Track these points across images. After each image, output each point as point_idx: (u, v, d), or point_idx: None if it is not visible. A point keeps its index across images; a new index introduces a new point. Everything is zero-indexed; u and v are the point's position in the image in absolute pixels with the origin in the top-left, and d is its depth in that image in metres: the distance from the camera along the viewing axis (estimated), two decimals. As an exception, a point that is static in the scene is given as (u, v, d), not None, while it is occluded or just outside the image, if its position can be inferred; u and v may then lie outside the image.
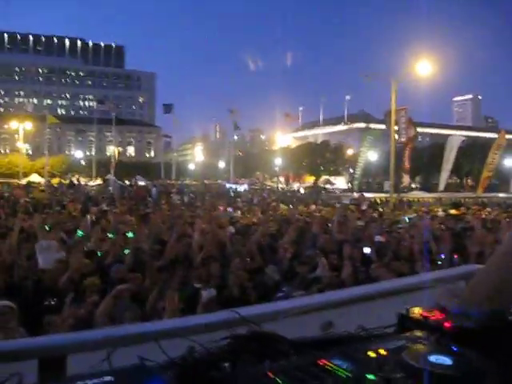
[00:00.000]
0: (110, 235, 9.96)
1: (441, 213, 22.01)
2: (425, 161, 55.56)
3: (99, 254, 8.88)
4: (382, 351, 1.64)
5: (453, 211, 22.72)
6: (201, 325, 2.11)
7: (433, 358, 1.55)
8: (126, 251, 8.56)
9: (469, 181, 64.10)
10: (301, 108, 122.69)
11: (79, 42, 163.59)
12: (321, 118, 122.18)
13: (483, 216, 20.07)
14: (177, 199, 30.34)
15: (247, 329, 1.94)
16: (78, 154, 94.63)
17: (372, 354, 1.61)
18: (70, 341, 2.09)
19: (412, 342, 1.75)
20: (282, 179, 75.15)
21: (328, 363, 1.51)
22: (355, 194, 39.83)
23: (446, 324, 1.95)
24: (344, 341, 1.88)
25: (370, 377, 1.43)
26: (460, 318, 2.01)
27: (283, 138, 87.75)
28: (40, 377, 1.91)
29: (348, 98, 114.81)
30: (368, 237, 11.14)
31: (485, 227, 13.62)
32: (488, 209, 25.70)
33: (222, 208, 19.48)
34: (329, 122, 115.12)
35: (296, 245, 9.74)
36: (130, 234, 9.66)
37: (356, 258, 8.86)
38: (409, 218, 17.11)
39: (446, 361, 1.54)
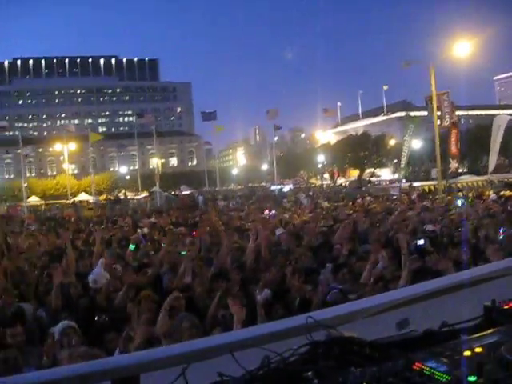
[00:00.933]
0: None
1: (493, 195, 21.42)
2: (470, 144, 54.28)
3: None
4: (477, 349, 1.52)
5: (506, 192, 22.07)
6: (275, 332, 2.03)
7: (538, 354, 1.43)
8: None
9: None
10: (339, 103, 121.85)
11: (113, 60, 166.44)
12: (360, 110, 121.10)
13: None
14: (223, 205, 30.46)
15: (324, 334, 1.85)
16: (122, 169, 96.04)
17: (468, 353, 1.49)
18: (141, 359, 2.03)
19: (508, 337, 1.62)
20: (326, 176, 74.65)
21: (424, 367, 1.40)
22: (402, 184, 39.22)
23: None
24: (429, 339, 1.77)
25: (472, 379, 1.32)
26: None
27: (324, 135, 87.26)
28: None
29: (385, 87, 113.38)
30: (419, 227, 10.91)
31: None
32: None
33: (267, 210, 19.42)
34: (368, 114, 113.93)
35: (351, 241, 9.58)
36: (183, 253, 9.51)
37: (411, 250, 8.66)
38: (461, 203, 16.69)
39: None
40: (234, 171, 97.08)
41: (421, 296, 2.43)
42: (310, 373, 1.59)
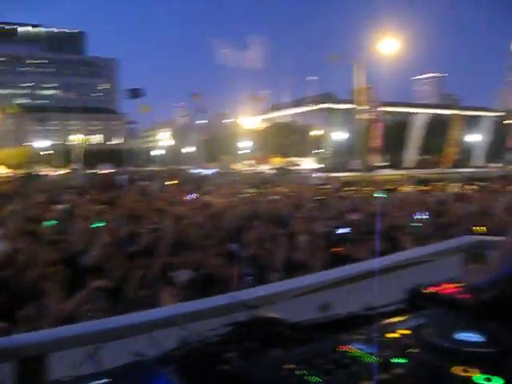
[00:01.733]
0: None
1: (410, 188, 22.21)
2: (391, 139, 56.03)
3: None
4: (402, 331, 1.51)
5: (422, 187, 22.97)
6: (196, 312, 1.95)
7: (461, 336, 1.43)
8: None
9: (435, 157, 64.96)
10: (268, 91, 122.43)
11: (39, 30, 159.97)
12: (287, 99, 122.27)
13: (452, 190, 20.27)
14: (145, 185, 29.98)
15: (246, 314, 1.80)
16: (43, 143, 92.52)
17: (393, 335, 1.48)
18: (48, 337, 1.90)
19: (431, 320, 1.62)
20: (250, 162, 75.01)
21: (350, 348, 1.37)
22: (324, 174, 39.99)
23: (464, 297, 1.83)
24: (352, 322, 1.75)
25: (397, 360, 1.30)
26: (476, 291, 1.89)
27: (251, 121, 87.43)
28: (18, 378, 1.74)
29: (313, 78, 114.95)
30: (341, 215, 11.10)
31: (455, 201, 13.73)
32: (454, 183, 26.01)
33: (188, 193, 19.28)
34: (296, 103, 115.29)
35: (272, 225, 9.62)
36: (99, 224, 9.31)
37: (331, 237, 8.80)
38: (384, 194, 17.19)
39: (477, 337, 1.41)
40: (158, 152, 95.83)
41: (344, 280, 2.43)
42: (231, 353, 1.53)
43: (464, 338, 1.41)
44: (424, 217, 10.24)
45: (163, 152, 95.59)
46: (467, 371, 1.24)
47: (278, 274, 6.33)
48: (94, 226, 9.18)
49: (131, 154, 68.79)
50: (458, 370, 1.25)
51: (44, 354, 1.79)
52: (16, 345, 1.80)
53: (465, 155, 58.48)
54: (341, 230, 9.34)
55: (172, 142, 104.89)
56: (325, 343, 1.42)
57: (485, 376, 1.22)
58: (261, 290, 2.25)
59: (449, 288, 1.97)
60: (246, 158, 74.53)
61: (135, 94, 60.02)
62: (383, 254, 6.46)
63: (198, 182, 33.34)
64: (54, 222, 10.03)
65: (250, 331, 1.64)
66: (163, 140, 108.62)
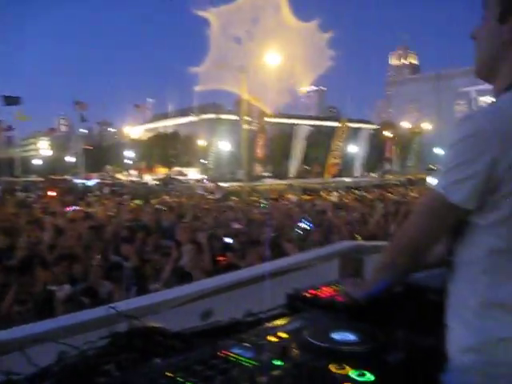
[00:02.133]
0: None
1: (293, 198, 22.77)
2: (275, 150, 57.38)
3: None
4: (282, 334, 1.54)
5: (304, 196, 23.62)
6: (73, 325, 1.88)
7: (336, 336, 1.49)
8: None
9: (316, 167, 67.18)
10: (151, 100, 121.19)
11: None
12: (171, 109, 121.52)
13: (332, 199, 21.04)
14: (24, 197, 28.58)
15: (126, 325, 1.76)
16: None
17: (273, 339, 1.51)
18: None
19: (309, 322, 1.67)
20: (134, 172, 73.69)
21: (229, 353, 1.37)
22: (209, 184, 40.11)
23: (339, 300, 1.91)
24: (234, 328, 1.76)
25: (277, 362, 1.32)
26: (350, 294, 1.97)
27: (133, 130, 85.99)
28: None
29: (197, 89, 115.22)
30: (225, 225, 11.19)
31: (335, 209, 14.27)
32: (335, 193, 26.97)
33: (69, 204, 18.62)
34: (180, 113, 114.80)
35: (156, 236, 9.52)
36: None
37: (215, 246, 8.85)
38: (264, 204, 17.48)
39: (350, 337, 1.48)
40: (37, 161, 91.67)
41: (224, 287, 2.44)
42: (109, 365, 1.49)
43: (339, 338, 1.47)
44: (306, 225, 10.57)
45: (43, 162, 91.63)
46: (343, 368, 1.30)
47: (159, 284, 6.27)
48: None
49: (8, 163, 65.11)
50: (334, 368, 1.30)
51: None
52: None
53: (345, 165, 61.11)
54: (226, 239, 9.42)
55: (52, 151, 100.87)
56: (205, 350, 1.42)
57: (358, 371, 1.28)
58: (141, 301, 2.22)
59: (327, 291, 2.05)
60: (131, 167, 73.22)
61: (12, 101, 57.04)
62: (267, 261, 6.59)
63: (80, 193, 32.29)
64: None
65: (129, 342, 1.60)
66: (44, 149, 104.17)
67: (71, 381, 1.46)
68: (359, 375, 1.27)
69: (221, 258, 8.08)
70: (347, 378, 1.26)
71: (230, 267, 6.44)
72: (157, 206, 16.54)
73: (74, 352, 1.57)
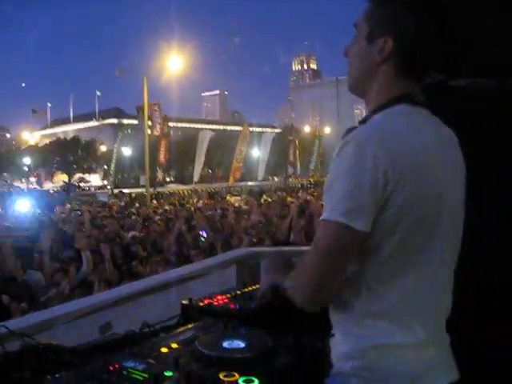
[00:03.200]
0: None
1: (199, 203, 22.73)
2: (178, 154, 56.98)
3: None
4: (174, 345, 1.59)
5: (207, 201, 23.61)
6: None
7: (226, 344, 1.55)
8: None
9: (220, 172, 67.33)
10: (49, 104, 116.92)
11: None
12: (71, 114, 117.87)
13: (236, 204, 21.16)
14: None
15: (19, 343, 1.74)
16: None
17: (165, 350, 1.55)
18: None
19: (202, 331, 1.73)
20: (33, 179, 70.77)
21: (121, 367, 1.41)
22: (111, 191, 39.24)
23: (231, 307, 1.98)
24: (130, 341, 1.79)
25: (168, 374, 1.37)
26: (243, 300, 2.05)
27: (31, 136, 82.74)
28: None
29: (99, 93, 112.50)
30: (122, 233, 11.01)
31: (237, 213, 14.46)
32: (237, 197, 27.16)
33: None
34: (80, 118, 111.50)
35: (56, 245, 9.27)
36: None
37: (117, 255, 8.75)
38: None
39: (239, 344, 1.55)
40: None
41: (122, 298, 2.45)
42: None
43: (228, 346, 1.54)
44: (205, 234, 10.55)
45: None
46: (232, 375, 1.36)
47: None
48: None
49: None
50: (223, 376, 1.36)
51: None
52: None
53: (249, 169, 61.64)
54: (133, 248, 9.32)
55: None
56: (97, 364, 1.44)
57: (245, 378, 1.35)
58: (34, 317, 2.18)
59: (221, 299, 2.11)
60: (28, 175, 70.20)
61: None
62: (169, 268, 6.57)
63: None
64: None
65: (20, 361, 1.59)
66: None
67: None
68: (246, 381, 1.34)
69: (121, 266, 8.00)
70: (236, 384, 1.33)
71: (131, 275, 6.37)
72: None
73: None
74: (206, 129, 58.04)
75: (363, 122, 1.49)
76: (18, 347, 1.71)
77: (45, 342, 1.70)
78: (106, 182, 59.69)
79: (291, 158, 59.60)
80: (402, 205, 1.35)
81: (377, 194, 1.34)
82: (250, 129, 51.85)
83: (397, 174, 1.33)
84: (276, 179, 65.52)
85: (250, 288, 2.25)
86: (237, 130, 71.21)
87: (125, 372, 1.37)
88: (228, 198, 26.34)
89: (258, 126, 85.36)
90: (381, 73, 1.52)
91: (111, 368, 1.40)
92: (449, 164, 1.49)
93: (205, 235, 10.30)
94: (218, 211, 15.84)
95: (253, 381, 1.34)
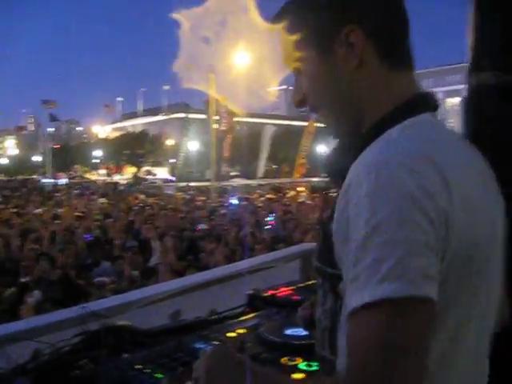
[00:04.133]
0: None
1: (260, 197, 22.89)
2: (243, 149, 57.49)
3: None
4: (240, 330, 1.71)
5: (270, 195, 23.72)
6: (48, 325, 2.00)
7: (289, 331, 1.65)
8: None
9: (285, 167, 67.40)
10: (120, 98, 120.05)
11: None
12: (140, 108, 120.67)
13: (300, 200, 21.21)
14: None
15: (99, 323, 1.89)
16: None
17: (231, 335, 1.67)
18: None
19: (266, 319, 1.84)
20: (103, 172, 73.01)
21: (192, 347, 1.53)
22: (179, 184, 40.06)
23: (294, 298, 2.08)
24: (199, 326, 1.91)
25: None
26: (306, 292, 2.14)
27: (102, 130, 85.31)
28: None
29: (167, 88, 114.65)
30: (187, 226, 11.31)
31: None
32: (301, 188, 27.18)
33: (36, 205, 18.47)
34: (148, 112, 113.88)
35: (125, 235, 9.64)
36: None
37: (181, 246, 9.04)
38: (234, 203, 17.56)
39: (301, 332, 1.64)
40: (3, 161, 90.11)
41: (191, 287, 2.58)
42: (83, 361, 1.63)
43: (291, 333, 1.64)
44: (270, 226, 10.74)
45: (10, 161, 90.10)
46: (294, 360, 1.47)
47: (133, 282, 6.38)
48: None
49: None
50: (285, 361, 1.46)
51: None
52: None
53: (313, 165, 61.40)
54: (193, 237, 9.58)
55: (21, 150, 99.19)
56: (170, 345, 1.57)
57: (306, 363, 1.44)
58: (113, 300, 2.35)
59: (285, 291, 2.22)
60: (100, 167, 72.48)
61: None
62: (234, 260, 6.75)
63: (49, 193, 31.92)
64: None
65: (100, 339, 1.74)
66: (10, 148, 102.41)
67: (48, 376, 1.60)
68: (307, 366, 1.44)
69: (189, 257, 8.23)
70: (297, 369, 1.43)
71: (199, 266, 6.56)
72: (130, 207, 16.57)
73: (49, 349, 1.70)
74: (271, 124, 58.18)
75: (366, 141, 0.98)
76: (97, 327, 1.85)
77: (121, 323, 1.85)
78: (171, 177, 60.83)
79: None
80: (457, 250, 0.88)
81: (438, 234, 0.85)
82: (316, 124, 51.61)
83: (447, 208, 0.86)
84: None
85: (313, 281, 2.34)
86: (303, 126, 71.10)
87: (195, 352, 1.50)
88: (291, 192, 26.38)
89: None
90: (364, 81, 1.05)
91: (184, 348, 1.52)
92: (491, 190, 1.04)
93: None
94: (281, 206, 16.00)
95: (312, 366, 1.43)
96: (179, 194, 26.75)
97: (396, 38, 1.05)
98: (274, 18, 1.10)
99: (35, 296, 5.80)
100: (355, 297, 0.82)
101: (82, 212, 14.73)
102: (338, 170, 1.06)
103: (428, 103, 1.06)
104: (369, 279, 0.81)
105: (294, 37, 1.07)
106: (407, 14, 1.07)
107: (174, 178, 51.43)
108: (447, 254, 0.86)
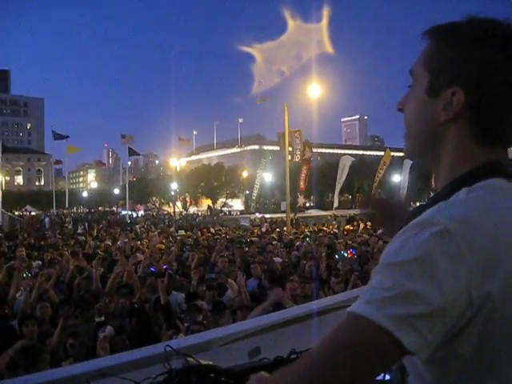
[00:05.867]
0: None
1: (335, 229, 22.66)
2: (318, 180, 57.39)
3: None
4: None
5: (347, 226, 23.46)
6: (132, 361, 2.05)
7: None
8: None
9: (360, 197, 66.69)
10: (195, 132, 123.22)
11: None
12: (215, 140, 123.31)
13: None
14: (70, 229, 29.32)
15: (181, 361, 1.91)
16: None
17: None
18: None
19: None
20: (179, 204, 74.61)
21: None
22: (253, 216, 40.32)
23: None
24: (279, 365, 1.90)
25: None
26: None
27: (178, 163, 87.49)
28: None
29: (241, 120, 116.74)
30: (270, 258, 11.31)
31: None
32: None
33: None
34: (223, 145, 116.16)
35: (201, 269, 9.73)
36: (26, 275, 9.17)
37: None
38: (308, 237, 17.41)
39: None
40: (84, 194, 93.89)
41: (271, 326, 2.58)
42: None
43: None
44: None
45: (90, 193, 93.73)
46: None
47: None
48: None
49: (58, 196, 66.74)
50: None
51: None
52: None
53: (389, 195, 60.51)
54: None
55: (100, 183, 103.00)
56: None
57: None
58: (195, 339, 2.38)
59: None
60: (176, 199, 74.06)
61: (61, 137, 59.41)
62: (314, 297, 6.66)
63: (127, 225, 32.89)
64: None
65: (185, 378, 1.76)
66: (91, 181, 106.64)
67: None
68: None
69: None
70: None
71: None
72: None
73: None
74: (346, 154, 57.88)
75: (438, 199, 1.08)
76: (180, 365, 1.87)
77: (205, 363, 1.86)
78: (246, 207, 61.40)
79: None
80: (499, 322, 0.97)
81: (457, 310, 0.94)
82: (392, 154, 50.90)
83: (496, 292, 0.94)
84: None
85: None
86: (377, 155, 70.30)
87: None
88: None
89: (399, 150, 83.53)
90: (449, 135, 1.13)
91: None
92: None
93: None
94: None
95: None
96: (255, 226, 26.92)
97: (499, 117, 1.09)
98: (423, 32, 1.18)
99: (108, 331, 5.89)
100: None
101: (162, 243, 15.09)
102: None
103: (501, 169, 1.10)
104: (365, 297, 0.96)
105: (421, 64, 1.18)
106: None
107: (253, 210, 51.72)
108: (478, 323, 0.95)
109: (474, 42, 1.08)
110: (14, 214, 47.74)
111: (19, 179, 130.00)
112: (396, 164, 50.89)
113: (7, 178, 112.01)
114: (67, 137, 60.11)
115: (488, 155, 1.10)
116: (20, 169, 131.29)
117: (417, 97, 1.17)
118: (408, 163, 50.52)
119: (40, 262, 11.03)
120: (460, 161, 1.12)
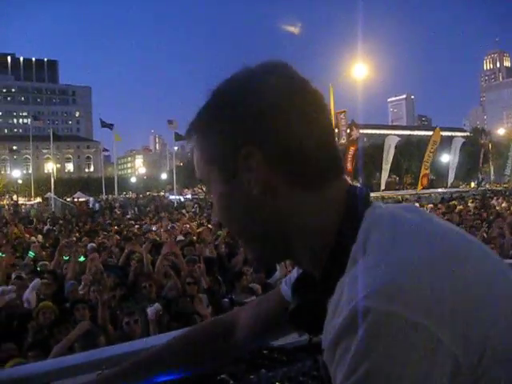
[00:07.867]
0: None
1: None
2: (364, 161, 56.79)
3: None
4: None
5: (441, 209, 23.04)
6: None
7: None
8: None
9: (408, 178, 65.71)
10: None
11: (9, 58, 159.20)
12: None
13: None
14: (120, 213, 29.88)
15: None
16: (15, 173, 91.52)
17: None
18: (51, 367, 2.01)
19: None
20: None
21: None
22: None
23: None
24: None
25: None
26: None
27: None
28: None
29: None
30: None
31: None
32: (430, 205, 26.20)
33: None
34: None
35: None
36: (81, 258, 9.42)
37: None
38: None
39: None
40: (133, 179, 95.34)
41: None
42: (223, 375, 1.70)
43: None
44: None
45: (138, 179, 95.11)
46: None
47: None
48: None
49: (107, 182, 68.07)
50: None
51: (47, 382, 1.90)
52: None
53: (437, 176, 59.35)
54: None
55: (148, 169, 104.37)
56: (306, 363, 1.60)
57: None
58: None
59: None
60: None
61: (107, 125, 60.49)
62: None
63: (174, 208, 33.28)
64: (34, 254, 10.06)
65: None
66: (138, 167, 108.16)
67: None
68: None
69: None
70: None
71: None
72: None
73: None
74: (393, 135, 57.03)
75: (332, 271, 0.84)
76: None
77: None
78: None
79: (483, 163, 56.18)
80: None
81: None
82: (441, 133, 49.94)
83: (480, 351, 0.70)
84: (468, 186, 62.06)
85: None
86: (424, 135, 69.01)
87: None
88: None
89: (447, 129, 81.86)
90: (277, 206, 0.88)
91: (319, 366, 1.55)
92: None
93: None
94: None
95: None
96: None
97: (305, 157, 0.87)
98: (185, 135, 0.99)
99: (156, 308, 5.99)
100: None
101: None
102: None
103: (364, 198, 0.91)
104: None
105: (203, 156, 0.96)
106: (323, 124, 0.96)
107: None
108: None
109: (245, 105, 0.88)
110: (65, 200, 48.97)
111: (69, 166, 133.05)
112: (444, 144, 49.92)
113: (58, 166, 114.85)
114: (112, 125, 61.19)
115: (337, 194, 0.91)
116: (70, 156, 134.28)
117: (217, 195, 0.94)
118: (458, 142, 49.52)
119: (94, 245, 11.30)
120: (319, 225, 0.89)
